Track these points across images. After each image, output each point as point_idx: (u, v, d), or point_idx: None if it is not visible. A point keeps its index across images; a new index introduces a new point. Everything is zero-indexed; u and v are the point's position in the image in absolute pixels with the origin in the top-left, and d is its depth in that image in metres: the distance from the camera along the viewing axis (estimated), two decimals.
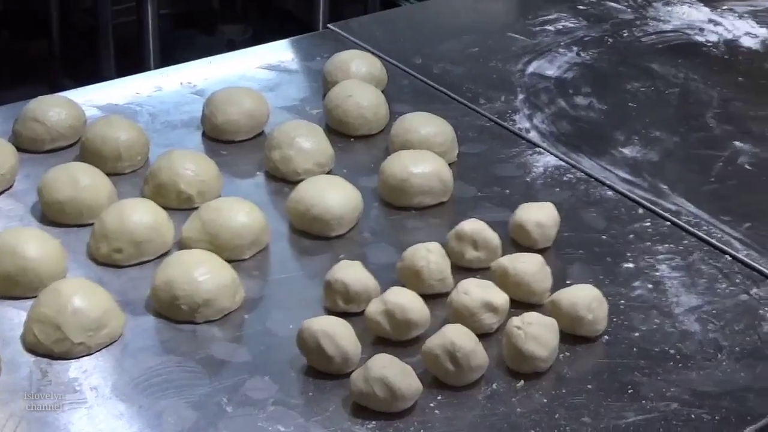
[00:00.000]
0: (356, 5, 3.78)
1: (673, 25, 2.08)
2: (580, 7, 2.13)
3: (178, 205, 1.49)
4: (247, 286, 1.35)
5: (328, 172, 1.57)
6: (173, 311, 1.30)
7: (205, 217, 1.41)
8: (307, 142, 1.57)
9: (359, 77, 1.74)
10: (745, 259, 1.44)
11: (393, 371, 1.17)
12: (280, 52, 1.94)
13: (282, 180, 1.56)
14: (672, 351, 1.28)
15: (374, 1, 3.47)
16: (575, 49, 1.97)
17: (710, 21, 2.10)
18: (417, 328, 1.28)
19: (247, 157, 1.62)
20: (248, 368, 1.24)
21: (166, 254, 1.40)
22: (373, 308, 1.28)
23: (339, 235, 1.46)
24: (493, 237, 1.40)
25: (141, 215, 1.40)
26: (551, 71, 1.89)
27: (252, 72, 1.86)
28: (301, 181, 1.51)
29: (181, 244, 1.41)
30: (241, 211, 1.42)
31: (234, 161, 1.61)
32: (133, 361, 1.24)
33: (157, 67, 2.94)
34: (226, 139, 1.65)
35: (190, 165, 1.50)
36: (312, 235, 1.45)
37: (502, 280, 1.34)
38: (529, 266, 1.34)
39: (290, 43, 1.99)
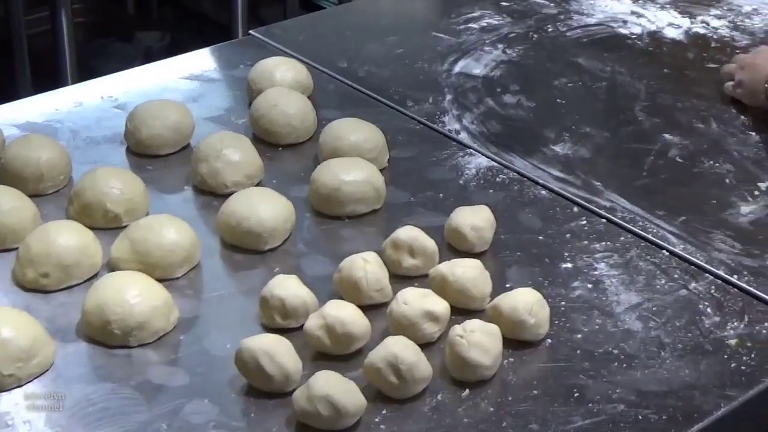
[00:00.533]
0: (275, 8, 3.75)
1: (596, 18, 2.08)
2: (504, 3, 2.11)
3: (105, 224, 1.44)
4: (181, 306, 1.32)
5: (258, 184, 1.54)
6: (106, 336, 1.26)
7: (134, 236, 1.37)
8: (234, 153, 1.53)
9: (285, 84, 1.71)
10: (682, 253, 1.44)
11: (336, 388, 1.15)
12: (202, 61, 1.90)
13: (211, 193, 1.52)
14: (615, 351, 1.27)
15: (293, 3, 3.43)
16: (500, 46, 1.95)
17: (633, 13, 2.09)
18: (358, 342, 1.25)
19: (173, 171, 1.58)
20: (187, 391, 1.20)
21: (95, 277, 1.36)
22: (313, 323, 1.25)
23: (272, 248, 1.43)
24: (429, 243, 1.38)
25: (67, 237, 1.36)
26: (478, 70, 1.87)
27: (174, 83, 1.82)
28: (231, 194, 1.48)
29: (111, 266, 1.37)
30: (170, 229, 1.38)
31: (160, 176, 1.57)
32: (67, 390, 1.20)
33: (74, 77, 2.88)
34: (151, 154, 1.61)
35: (116, 183, 1.46)
36: (245, 249, 1.42)
37: (441, 287, 1.32)
38: (468, 272, 1.32)
39: (212, 51, 1.95)
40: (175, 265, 1.37)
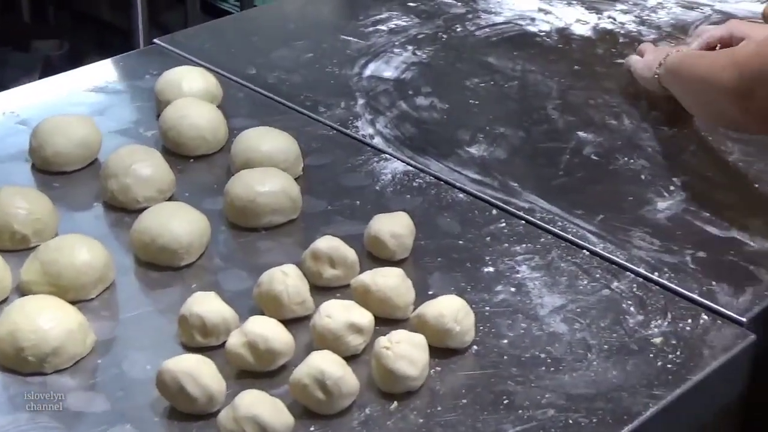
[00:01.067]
0: (175, 12, 3.70)
1: (504, 16, 2.07)
2: (411, 4, 2.10)
3: (13, 246, 1.40)
4: (97, 328, 1.27)
5: (170, 198, 1.50)
6: (19, 363, 1.22)
7: (44, 257, 1.33)
8: (145, 168, 1.49)
9: (193, 94, 1.67)
10: (602, 252, 1.43)
11: (262, 408, 1.12)
12: (106, 72, 1.86)
13: (122, 210, 1.48)
14: (542, 355, 1.26)
15: (194, 8, 3.39)
16: (410, 48, 1.94)
17: (540, 10, 2.09)
18: (281, 357, 1.22)
19: (82, 188, 1.54)
20: (107, 417, 1.16)
21: (5, 302, 1.31)
22: (234, 341, 1.22)
23: (188, 264, 1.39)
24: (349, 253, 1.36)
25: None
26: (389, 73, 1.86)
27: (78, 96, 1.77)
28: (143, 209, 1.44)
29: (21, 290, 1.32)
30: (82, 249, 1.34)
31: (68, 194, 1.52)
32: None
33: None
34: (57, 171, 1.56)
35: (22, 203, 1.41)
36: (160, 266, 1.38)
37: (364, 297, 1.30)
38: (391, 280, 1.30)
39: (116, 62, 1.90)
40: (88, 286, 1.32)
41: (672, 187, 1.57)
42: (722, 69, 1.43)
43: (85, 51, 3.58)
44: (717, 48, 1.72)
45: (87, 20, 3.91)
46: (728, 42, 1.73)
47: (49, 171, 1.56)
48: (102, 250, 1.35)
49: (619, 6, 2.12)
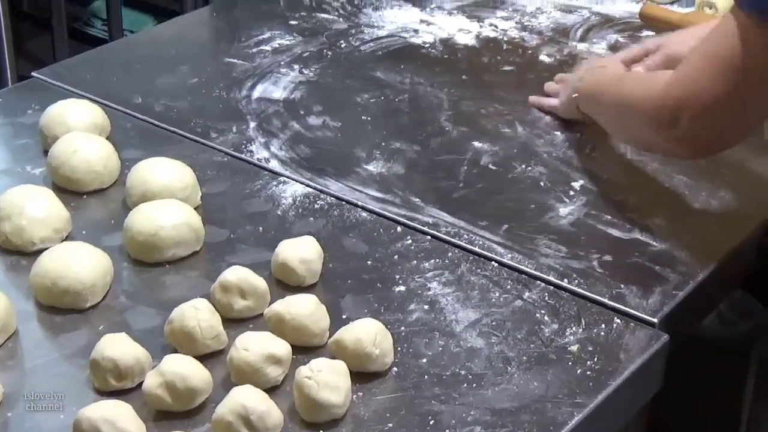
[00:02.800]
0: (41, 39, 3.60)
1: (387, 29, 2.06)
2: (292, 22, 2.08)
3: None
4: (3, 380, 1.22)
5: (67, 237, 1.46)
6: None
7: None
8: (38, 208, 1.44)
9: (81, 128, 1.62)
10: (511, 263, 1.44)
11: None
12: None
13: (17, 253, 1.43)
14: (463, 372, 1.26)
15: (61, 35, 3.30)
16: (296, 67, 1.92)
17: (422, 21, 2.09)
18: (201, 395, 1.19)
19: None
20: None
21: None
22: (151, 382, 1.19)
23: (93, 305, 1.35)
24: (259, 282, 1.33)
25: None
26: (278, 93, 1.83)
27: None
28: (39, 251, 1.39)
29: None
30: None
31: None
32: None
33: None
34: None
35: None
36: (63, 309, 1.34)
37: (279, 326, 1.28)
38: (305, 308, 1.28)
39: None
40: None
41: (572, 192, 1.58)
42: (643, 99, 1.43)
43: None
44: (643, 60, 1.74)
45: None
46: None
47: None
48: (2, 297, 1.30)
49: (500, 13, 2.13)
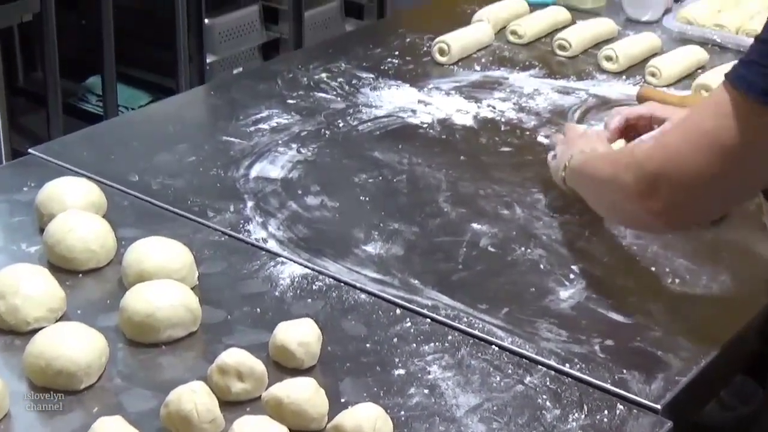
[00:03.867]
0: (36, 115, 3.60)
1: (385, 109, 2.06)
2: (290, 101, 2.08)
3: None
4: None
5: (62, 316, 1.44)
6: None
7: None
8: (33, 287, 1.43)
9: (77, 206, 1.61)
10: (511, 347, 1.42)
11: None
12: None
13: (11, 332, 1.41)
14: None
15: (56, 110, 3.30)
16: (294, 146, 1.91)
17: (420, 102, 2.09)
18: None
19: None
20: None
21: None
22: None
23: (88, 387, 1.32)
24: (257, 365, 1.31)
25: None
26: (275, 173, 1.82)
27: None
28: (33, 331, 1.38)
29: None
30: None
31: None
32: None
33: None
34: None
35: None
36: (58, 390, 1.32)
37: (277, 410, 1.26)
38: (303, 392, 1.26)
39: None
40: None
41: (572, 275, 1.57)
42: (625, 169, 1.42)
43: None
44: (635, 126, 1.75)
45: None
46: (648, 122, 1.74)
47: None
48: None
49: (497, 94, 2.13)
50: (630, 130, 1.75)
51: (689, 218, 1.42)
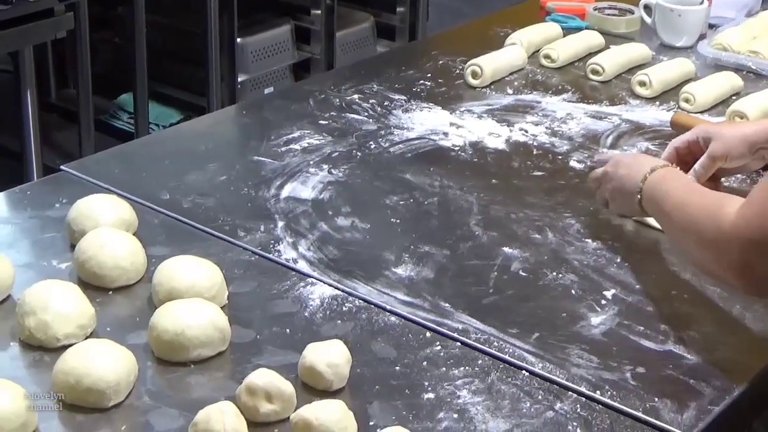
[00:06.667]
0: (67, 132, 3.62)
1: (416, 131, 2.06)
2: (322, 122, 2.08)
3: None
4: None
5: (91, 333, 1.44)
6: None
7: None
8: (64, 303, 1.43)
9: (109, 223, 1.61)
10: (542, 372, 1.41)
11: None
12: (11, 202, 1.78)
13: (40, 348, 1.41)
14: None
15: (88, 127, 3.32)
16: (325, 167, 1.91)
17: (452, 124, 2.09)
18: None
19: None
20: None
21: None
22: None
23: (116, 405, 1.32)
24: (286, 386, 1.31)
25: None
26: (306, 193, 1.82)
27: None
28: (63, 347, 1.37)
29: None
30: (2, 395, 1.26)
31: None
32: None
33: None
34: None
35: None
36: (86, 408, 1.31)
37: None
38: (333, 414, 1.26)
39: (22, 191, 1.83)
40: None
41: (603, 301, 1.56)
42: (711, 230, 1.42)
43: None
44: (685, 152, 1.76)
45: None
46: (697, 147, 1.74)
47: None
48: (23, 395, 1.28)
49: (529, 118, 2.13)
50: (686, 156, 1.75)
51: None
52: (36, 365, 1.39)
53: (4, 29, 2.79)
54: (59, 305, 1.42)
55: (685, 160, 1.75)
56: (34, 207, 1.76)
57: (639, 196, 1.63)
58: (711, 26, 2.56)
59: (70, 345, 1.38)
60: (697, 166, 1.72)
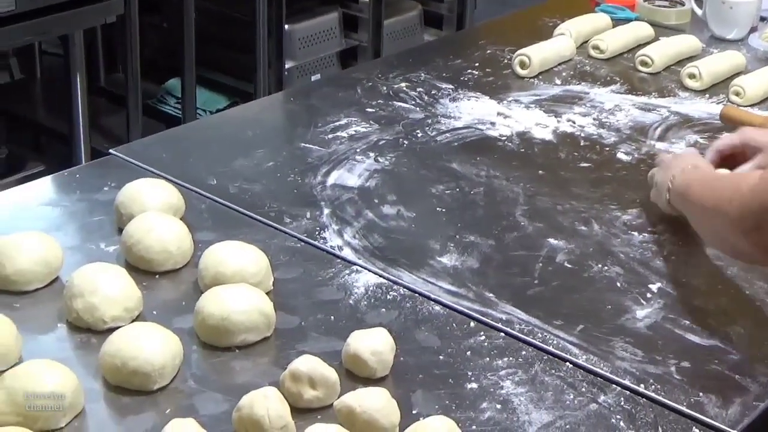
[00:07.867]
0: (115, 116, 3.65)
1: (463, 121, 2.06)
2: (369, 110, 2.08)
3: None
4: None
5: (137, 316, 1.45)
6: None
7: (10, 385, 1.26)
8: (111, 286, 1.44)
9: (156, 207, 1.62)
10: (586, 364, 1.40)
11: None
12: (61, 185, 1.80)
13: (87, 330, 1.42)
14: None
15: (135, 112, 3.34)
16: (372, 154, 1.91)
17: (499, 114, 2.08)
18: None
19: (44, 308, 1.47)
20: None
21: None
22: None
23: (161, 388, 1.33)
24: (330, 373, 1.31)
25: None
26: (352, 181, 1.82)
27: (33, 210, 1.71)
28: (110, 330, 1.39)
29: None
30: (49, 375, 1.28)
31: (30, 315, 1.45)
32: None
33: None
34: (18, 291, 1.49)
35: None
36: (131, 390, 1.33)
37: (349, 419, 1.25)
38: (376, 401, 1.26)
39: (71, 174, 1.84)
40: (57, 414, 1.26)
41: (649, 295, 1.55)
42: (729, 201, 1.40)
43: (23, 156, 3.51)
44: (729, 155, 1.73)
45: (24, 125, 3.84)
46: (741, 151, 1.72)
47: (9, 291, 1.49)
48: (71, 376, 1.29)
49: (577, 109, 2.12)
50: (728, 159, 1.73)
51: None
52: (83, 347, 1.41)
53: (55, 13, 2.81)
54: (107, 288, 1.43)
55: (726, 162, 1.73)
56: (83, 190, 1.77)
57: (668, 195, 1.63)
58: (762, 19, 2.54)
59: (117, 328, 1.39)
60: (746, 166, 1.68)
